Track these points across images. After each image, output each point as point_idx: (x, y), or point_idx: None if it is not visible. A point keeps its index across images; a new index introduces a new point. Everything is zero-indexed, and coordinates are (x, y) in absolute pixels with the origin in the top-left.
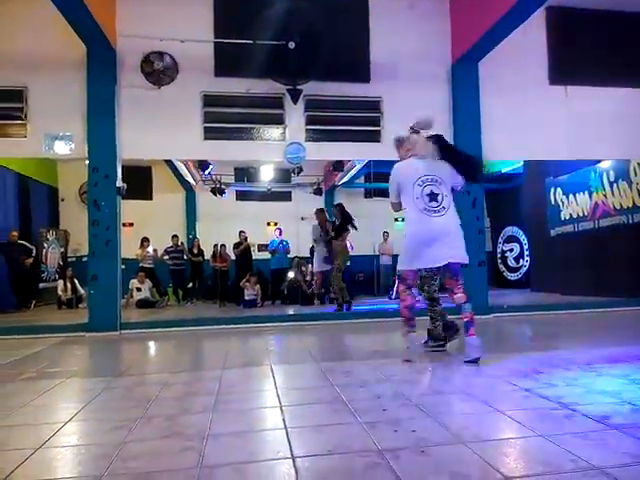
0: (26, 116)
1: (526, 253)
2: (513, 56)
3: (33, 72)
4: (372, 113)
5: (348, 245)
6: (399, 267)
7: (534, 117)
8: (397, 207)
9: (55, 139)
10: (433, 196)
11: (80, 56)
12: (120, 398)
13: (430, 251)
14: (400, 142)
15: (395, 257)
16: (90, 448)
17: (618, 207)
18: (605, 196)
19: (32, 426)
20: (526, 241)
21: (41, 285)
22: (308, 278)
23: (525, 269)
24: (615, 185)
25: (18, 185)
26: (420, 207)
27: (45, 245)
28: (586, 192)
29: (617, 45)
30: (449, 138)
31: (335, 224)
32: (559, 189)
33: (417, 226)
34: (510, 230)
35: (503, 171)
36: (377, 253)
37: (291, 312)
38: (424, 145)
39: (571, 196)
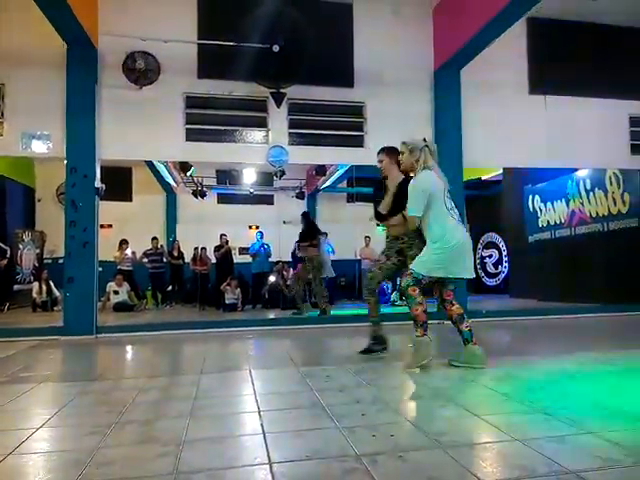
0: (2, 114)
1: (505, 259)
2: (494, 64)
3: (11, 68)
4: (355, 118)
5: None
6: (429, 273)
7: (514, 125)
8: (418, 221)
9: (33, 138)
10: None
11: (60, 54)
12: (95, 403)
13: (468, 262)
14: (412, 150)
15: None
16: (63, 454)
17: (594, 215)
18: (582, 204)
19: (3, 432)
20: (505, 247)
21: (15, 287)
22: (289, 282)
23: (504, 275)
24: (591, 193)
25: None
26: (456, 218)
27: (20, 246)
28: (563, 200)
29: (596, 56)
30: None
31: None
32: (537, 196)
33: (459, 235)
34: (489, 236)
35: (483, 178)
36: (358, 257)
37: (272, 316)
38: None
39: (549, 203)
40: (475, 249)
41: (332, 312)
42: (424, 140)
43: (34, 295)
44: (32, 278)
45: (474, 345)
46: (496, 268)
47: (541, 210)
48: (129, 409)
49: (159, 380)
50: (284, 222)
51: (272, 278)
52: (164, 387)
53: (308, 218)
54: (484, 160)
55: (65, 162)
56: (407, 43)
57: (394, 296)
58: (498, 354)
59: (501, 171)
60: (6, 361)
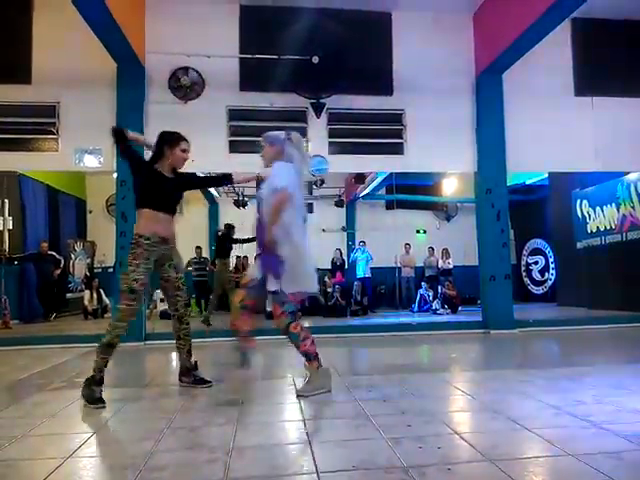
0: (58, 131)
1: (552, 266)
2: (538, 67)
3: (65, 88)
4: (395, 125)
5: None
6: (289, 289)
7: (560, 129)
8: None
9: (85, 153)
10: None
11: (110, 72)
12: (146, 409)
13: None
14: (272, 143)
15: (418, 269)
16: (118, 458)
17: None
18: (633, 208)
19: (61, 435)
20: (552, 254)
21: (68, 295)
22: (330, 290)
23: (551, 282)
24: None
25: (48, 197)
26: (301, 222)
27: (72, 256)
28: (613, 204)
29: None
30: (473, 149)
31: None
32: (585, 201)
33: (305, 243)
34: (535, 242)
35: (527, 182)
36: (399, 265)
37: (313, 324)
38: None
39: (598, 208)
40: (520, 256)
41: (373, 320)
42: (287, 133)
43: (85, 303)
44: (83, 286)
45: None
46: (542, 275)
47: (590, 215)
48: (178, 415)
49: (206, 388)
50: (323, 230)
51: None
52: (210, 394)
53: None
54: (529, 165)
55: (115, 175)
56: (447, 49)
57: (435, 304)
58: (548, 365)
59: (546, 175)
60: (61, 367)
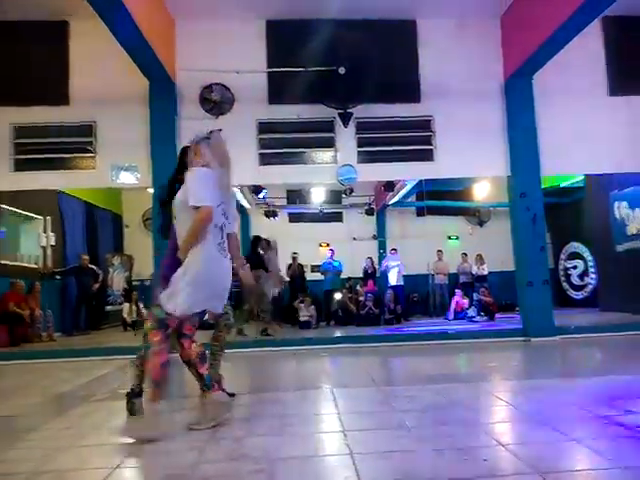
0: (95, 149)
1: (591, 270)
2: (569, 68)
3: (101, 108)
4: (423, 132)
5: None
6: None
7: (593, 129)
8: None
9: (121, 170)
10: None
11: (143, 91)
12: (190, 419)
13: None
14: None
15: (451, 276)
16: (166, 469)
17: None
18: None
19: (107, 446)
20: (590, 257)
21: (107, 308)
22: (362, 299)
23: (591, 287)
24: None
25: (86, 213)
26: (216, 241)
27: (111, 270)
28: None
29: None
30: (505, 153)
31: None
32: (624, 203)
33: (215, 259)
34: (573, 246)
35: (562, 185)
36: (431, 272)
37: (347, 334)
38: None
39: (637, 210)
40: (557, 260)
41: (407, 329)
42: (210, 132)
43: (124, 315)
44: (122, 299)
45: (217, 392)
46: (582, 280)
47: (628, 217)
48: (222, 426)
49: (246, 398)
50: (354, 239)
51: (337, 295)
52: (250, 404)
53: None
54: (564, 167)
55: (151, 191)
56: (474, 54)
57: (471, 311)
58: (593, 373)
59: (582, 177)
60: (104, 378)
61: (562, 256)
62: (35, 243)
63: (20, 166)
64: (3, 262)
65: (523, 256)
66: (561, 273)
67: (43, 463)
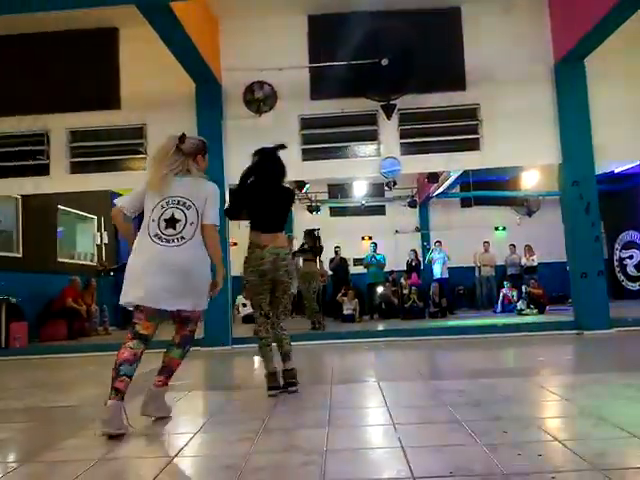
0: (146, 150)
1: None
2: (623, 48)
3: (150, 111)
4: (469, 121)
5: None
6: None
7: None
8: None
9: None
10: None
11: (190, 93)
12: (240, 410)
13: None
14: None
15: (498, 267)
16: (220, 458)
17: None
18: None
19: (166, 435)
20: None
21: None
22: (405, 292)
23: None
24: None
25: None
26: (152, 232)
27: None
28: None
29: None
30: (556, 140)
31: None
32: None
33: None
34: (628, 235)
35: (616, 171)
36: (478, 264)
37: (390, 327)
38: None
39: None
40: (612, 249)
41: (453, 322)
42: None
43: None
44: None
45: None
46: (638, 270)
47: None
48: (271, 417)
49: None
50: (396, 231)
51: (380, 289)
52: (300, 397)
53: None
54: (618, 153)
55: None
56: (521, 38)
57: (520, 304)
58: None
59: (638, 162)
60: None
61: (617, 246)
62: (90, 241)
63: (75, 168)
64: (61, 260)
65: (576, 247)
66: (616, 263)
67: (107, 451)
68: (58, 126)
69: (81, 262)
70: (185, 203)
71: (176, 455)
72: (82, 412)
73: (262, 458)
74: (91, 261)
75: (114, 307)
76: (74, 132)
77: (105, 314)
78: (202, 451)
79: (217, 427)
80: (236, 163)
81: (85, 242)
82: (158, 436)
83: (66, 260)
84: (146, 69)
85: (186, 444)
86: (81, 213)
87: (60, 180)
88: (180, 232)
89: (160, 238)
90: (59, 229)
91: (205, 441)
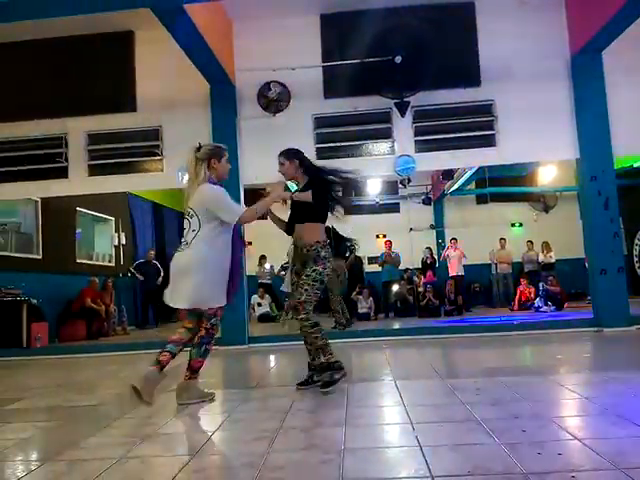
0: (162, 152)
1: None
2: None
3: (166, 113)
4: (484, 117)
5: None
6: None
7: None
8: None
9: (186, 171)
10: (183, 231)
11: (204, 94)
12: (257, 409)
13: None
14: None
15: (514, 264)
16: (238, 457)
17: None
18: None
19: (185, 434)
20: None
21: None
22: (421, 290)
23: None
24: None
25: (154, 213)
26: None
27: None
28: None
29: None
30: (573, 135)
31: None
32: None
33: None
34: None
35: (635, 165)
36: (494, 261)
37: (406, 325)
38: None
39: None
40: (632, 245)
41: (470, 320)
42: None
43: None
44: None
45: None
46: None
47: None
48: (289, 416)
49: (310, 388)
50: (411, 229)
51: (395, 287)
52: (317, 395)
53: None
54: (637, 148)
55: None
56: (536, 31)
57: (538, 301)
58: None
59: None
60: (176, 370)
61: (637, 241)
62: (108, 242)
63: (93, 171)
64: (80, 261)
65: (595, 243)
66: (635, 259)
67: (128, 450)
68: (76, 129)
69: (99, 263)
70: (190, 212)
71: (195, 454)
72: (103, 411)
73: (281, 457)
74: (109, 262)
75: (133, 307)
76: (92, 135)
77: (123, 314)
78: (221, 450)
79: (235, 426)
80: (251, 163)
81: (103, 243)
82: (178, 435)
83: (85, 261)
84: (161, 71)
85: (205, 443)
86: (99, 215)
87: (79, 183)
88: (185, 239)
89: (177, 247)
90: (78, 231)
91: (224, 440)
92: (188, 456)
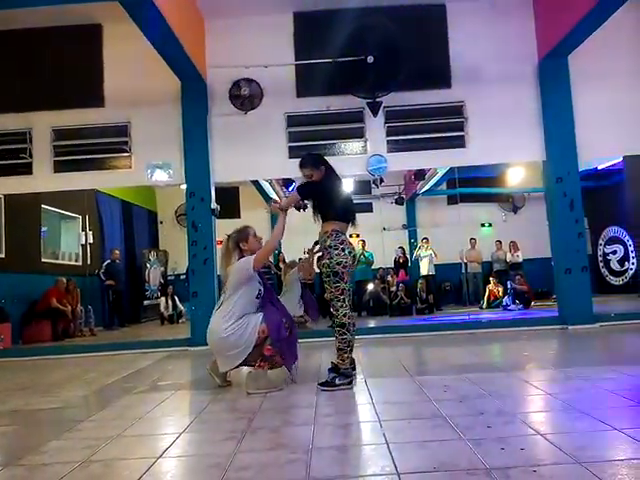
0: (130, 149)
1: (632, 255)
2: (606, 46)
3: (134, 108)
4: (455, 118)
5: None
6: None
7: (633, 110)
8: None
9: (156, 168)
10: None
11: (175, 90)
12: (226, 410)
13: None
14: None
15: (484, 264)
16: (205, 458)
17: None
18: None
19: (151, 436)
20: (631, 242)
21: (145, 302)
22: (393, 289)
23: (632, 272)
24: None
25: (123, 211)
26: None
27: (147, 265)
28: None
29: None
30: (540, 137)
31: None
32: None
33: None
34: (612, 231)
35: (599, 168)
36: (464, 261)
37: (379, 324)
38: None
39: None
40: (595, 246)
41: (440, 318)
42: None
43: (162, 309)
44: (159, 294)
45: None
46: (622, 265)
47: None
48: (257, 416)
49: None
50: (384, 229)
51: (370, 286)
52: (285, 395)
53: None
54: (602, 150)
55: (182, 187)
56: (505, 35)
57: (506, 300)
58: (635, 361)
59: (620, 159)
60: (144, 371)
61: (601, 241)
62: (75, 241)
63: (59, 167)
64: (45, 260)
65: (561, 243)
66: (600, 259)
67: (92, 453)
68: (41, 124)
69: (65, 262)
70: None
71: (161, 456)
72: (66, 414)
73: (247, 457)
74: (76, 261)
75: (101, 307)
76: (57, 130)
77: (90, 315)
78: (187, 451)
79: (203, 427)
80: (222, 161)
81: (70, 242)
82: (144, 437)
83: (50, 260)
84: (130, 66)
85: (171, 444)
86: (65, 213)
87: (44, 179)
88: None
89: None
90: (43, 229)
91: (190, 441)
92: (153, 458)
